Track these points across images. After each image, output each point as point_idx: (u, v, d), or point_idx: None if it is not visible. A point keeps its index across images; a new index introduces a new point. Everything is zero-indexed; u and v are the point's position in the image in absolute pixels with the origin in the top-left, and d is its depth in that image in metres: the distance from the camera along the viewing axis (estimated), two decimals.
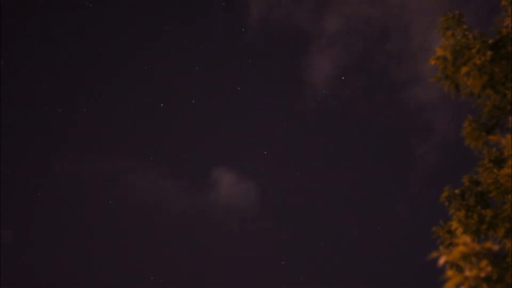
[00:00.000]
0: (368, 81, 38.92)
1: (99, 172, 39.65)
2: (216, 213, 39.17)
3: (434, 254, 6.00)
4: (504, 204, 12.10)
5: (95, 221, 39.06)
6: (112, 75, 39.48)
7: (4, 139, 38.77)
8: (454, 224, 12.41)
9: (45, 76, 39.81)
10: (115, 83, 39.65)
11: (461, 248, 5.90)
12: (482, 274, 5.96)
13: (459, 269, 6.25)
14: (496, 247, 6.08)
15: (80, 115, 39.13)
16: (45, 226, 39.40)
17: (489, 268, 5.98)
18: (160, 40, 39.10)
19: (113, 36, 39.39)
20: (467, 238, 6.03)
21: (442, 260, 5.97)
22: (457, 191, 12.97)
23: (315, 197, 38.94)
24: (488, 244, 6.00)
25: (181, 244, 38.65)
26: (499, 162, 12.33)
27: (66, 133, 39.48)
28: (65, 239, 39.02)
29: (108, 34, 39.24)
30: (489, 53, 11.03)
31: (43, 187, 39.53)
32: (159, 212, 39.41)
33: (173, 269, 38.04)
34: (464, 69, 11.06)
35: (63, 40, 39.64)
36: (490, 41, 11.25)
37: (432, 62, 11.24)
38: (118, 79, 39.49)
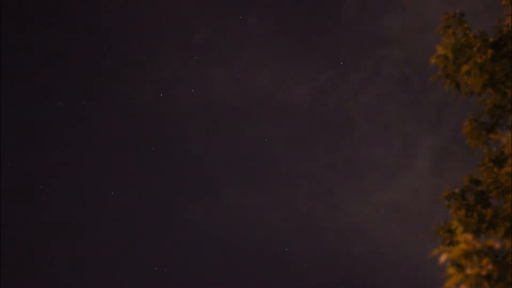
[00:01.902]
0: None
1: (99, 164, 39.69)
2: (216, 205, 39.24)
3: (435, 252, 5.98)
4: (504, 203, 12.09)
5: (96, 213, 39.11)
6: (111, 67, 39.47)
7: (3, 133, 38.80)
8: (454, 223, 12.40)
9: (45, 69, 39.82)
10: (114, 76, 39.64)
11: (462, 246, 5.87)
12: (483, 272, 5.93)
13: (460, 268, 6.22)
14: (497, 245, 6.05)
15: (80, 108, 39.12)
16: (45, 221, 39.45)
17: (490, 267, 5.95)
18: (155, 30, 39.03)
19: (110, 28, 39.41)
20: (468, 236, 6.00)
21: (443, 258, 5.95)
22: (457, 190, 12.96)
23: (317, 185, 38.95)
24: (489, 242, 5.97)
25: (182, 235, 38.71)
26: (499, 161, 12.33)
27: (66, 126, 39.49)
28: (66, 232, 39.06)
29: (106, 26, 39.23)
30: (489, 51, 11.01)
31: (44, 181, 39.57)
32: (160, 205, 39.46)
33: (176, 259, 38.09)
34: (464, 68, 11.05)
35: (61, 34, 39.66)
36: (491, 40, 11.24)
37: (433, 61, 11.22)
38: (116, 72, 39.48)
